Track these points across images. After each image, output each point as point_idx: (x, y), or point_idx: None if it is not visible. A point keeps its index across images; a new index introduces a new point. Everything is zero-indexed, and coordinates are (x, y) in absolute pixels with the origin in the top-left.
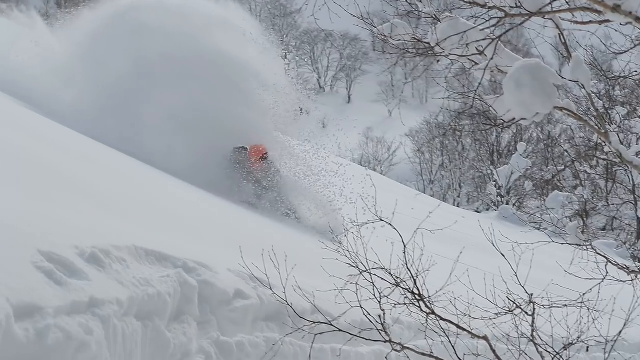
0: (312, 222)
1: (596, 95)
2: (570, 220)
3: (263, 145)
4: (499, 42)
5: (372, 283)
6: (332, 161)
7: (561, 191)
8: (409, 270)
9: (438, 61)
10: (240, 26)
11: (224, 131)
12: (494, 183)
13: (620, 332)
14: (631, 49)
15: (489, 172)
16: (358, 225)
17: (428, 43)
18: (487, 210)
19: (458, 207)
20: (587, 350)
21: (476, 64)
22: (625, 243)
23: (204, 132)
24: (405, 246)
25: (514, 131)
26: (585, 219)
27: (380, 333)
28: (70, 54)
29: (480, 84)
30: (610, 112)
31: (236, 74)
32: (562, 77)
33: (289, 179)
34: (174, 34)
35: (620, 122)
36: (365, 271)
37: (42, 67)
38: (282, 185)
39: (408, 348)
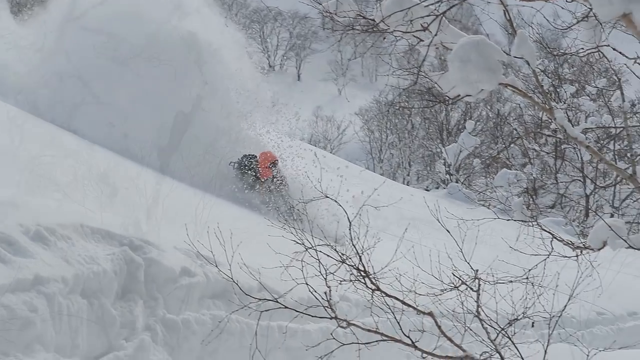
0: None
1: (544, 73)
2: (519, 198)
3: (272, 153)
4: (444, 18)
5: (318, 260)
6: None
7: (510, 169)
8: (354, 247)
9: (384, 38)
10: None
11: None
12: (443, 161)
13: (565, 307)
14: (574, 24)
15: (438, 150)
16: (304, 202)
17: (373, 20)
18: (437, 188)
19: (408, 185)
20: (533, 326)
21: (421, 40)
22: (574, 220)
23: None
24: (350, 223)
25: (463, 109)
26: (534, 196)
27: (325, 310)
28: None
29: (424, 60)
30: (558, 89)
31: (194, 56)
32: (507, 54)
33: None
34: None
35: (567, 99)
36: (310, 248)
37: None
38: (289, 191)
39: (354, 324)
